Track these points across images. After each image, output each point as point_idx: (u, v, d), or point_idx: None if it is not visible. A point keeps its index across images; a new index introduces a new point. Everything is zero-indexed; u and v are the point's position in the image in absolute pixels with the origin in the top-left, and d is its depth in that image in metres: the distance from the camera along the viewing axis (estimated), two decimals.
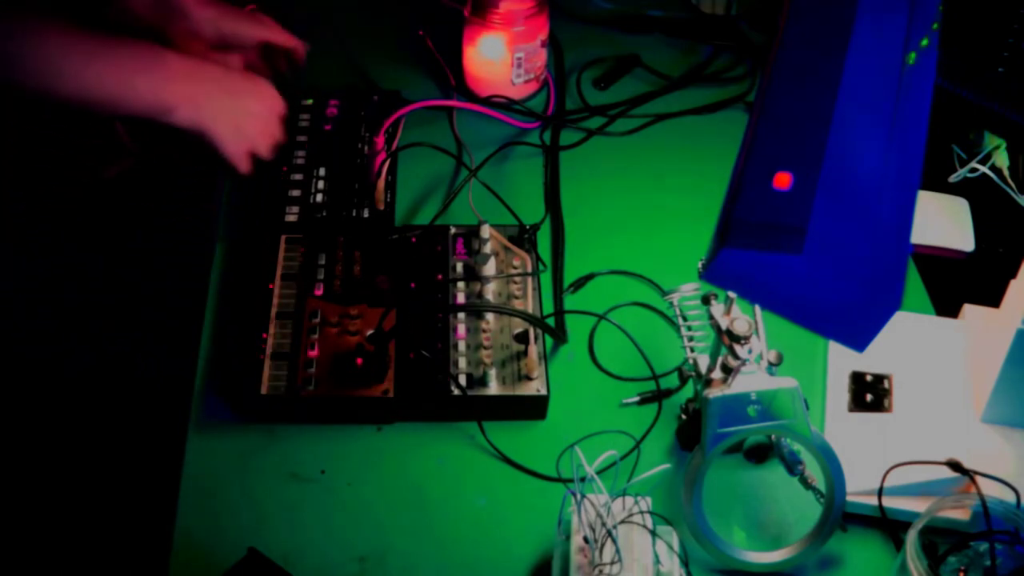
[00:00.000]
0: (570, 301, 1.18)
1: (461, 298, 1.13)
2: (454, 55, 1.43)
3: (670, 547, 0.89)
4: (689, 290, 1.08)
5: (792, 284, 0.70)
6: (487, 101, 1.39)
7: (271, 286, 1.13)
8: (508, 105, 1.38)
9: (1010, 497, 0.91)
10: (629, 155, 1.37)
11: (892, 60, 0.77)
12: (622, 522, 0.89)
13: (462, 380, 1.05)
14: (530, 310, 1.12)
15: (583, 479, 0.89)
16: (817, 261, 0.68)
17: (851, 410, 1.06)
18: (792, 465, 0.95)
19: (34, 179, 1.28)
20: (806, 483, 0.95)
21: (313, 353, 1.07)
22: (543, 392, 1.05)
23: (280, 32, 1.30)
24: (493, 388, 1.05)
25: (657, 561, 0.89)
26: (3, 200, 1.19)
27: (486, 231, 1.17)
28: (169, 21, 1.24)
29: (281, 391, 1.04)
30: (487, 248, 1.16)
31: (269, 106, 1.16)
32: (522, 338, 1.09)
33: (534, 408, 1.07)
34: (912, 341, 1.10)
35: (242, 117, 1.12)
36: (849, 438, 1.02)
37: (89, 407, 1.28)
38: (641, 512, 0.89)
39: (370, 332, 1.08)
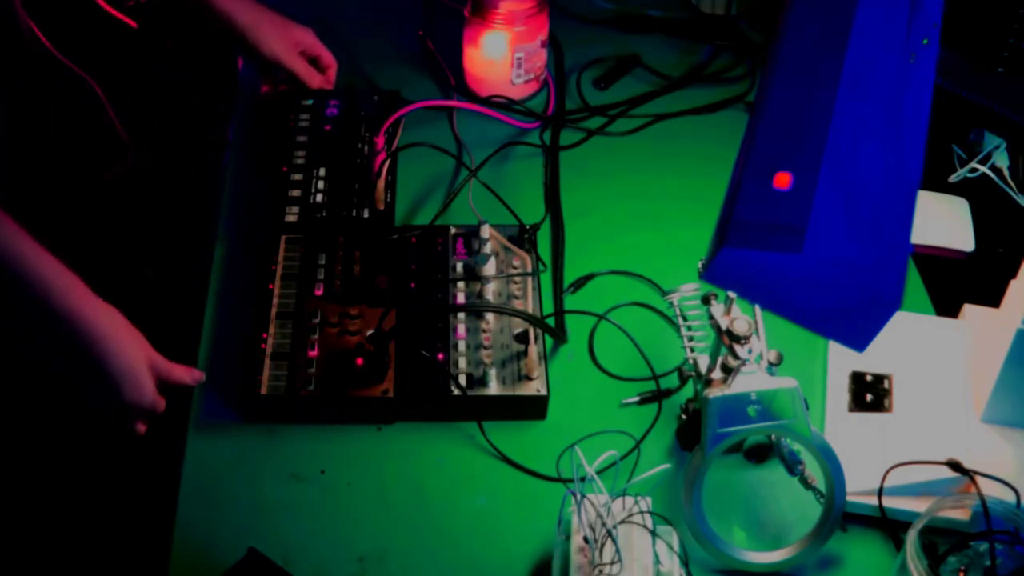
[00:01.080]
0: (570, 301, 1.18)
1: (461, 298, 1.13)
2: (454, 55, 1.43)
3: (670, 547, 0.89)
4: (689, 290, 1.08)
5: (792, 284, 0.70)
6: (487, 101, 1.39)
7: (271, 286, 1.13)
8: (508, 105, 1.38)
9: (1010, 497, 0.91)
10: (629, 155, 1.37)
11: (892, 60, 0.77)
12: (622, 522, 0.89)
13: (462, 380, 1.05)
14: (530, 310, 1.11)
15: (583, 479, 0.89)
16: (817, 261, 0.68)
17: (851, 410, 1.06)
18: (792, 465, 0.95)
19: (34, 179, 1.28)
20: (806, 483, 0.95)
21: (313, 353, 1.07)
22: (543, 392, 1.05)
23: (305, 68, 1.35)
24: (493, 388, 1.05)
25: (657, 561, 0.89)
26: (3, 200, 1.19)
27: (486, 231, 1.17)
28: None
29: (281, 391, 1.04)
30: (487, 248, 1.16)
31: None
32: (522, 338, 1.09)
33: (534, 408, 1.07)
34: (912, 341, 1.10)
35: None
36: (849, 438, 1.02)
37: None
38: (641, 512, 0.89)
39: (370, 332, 1.08)
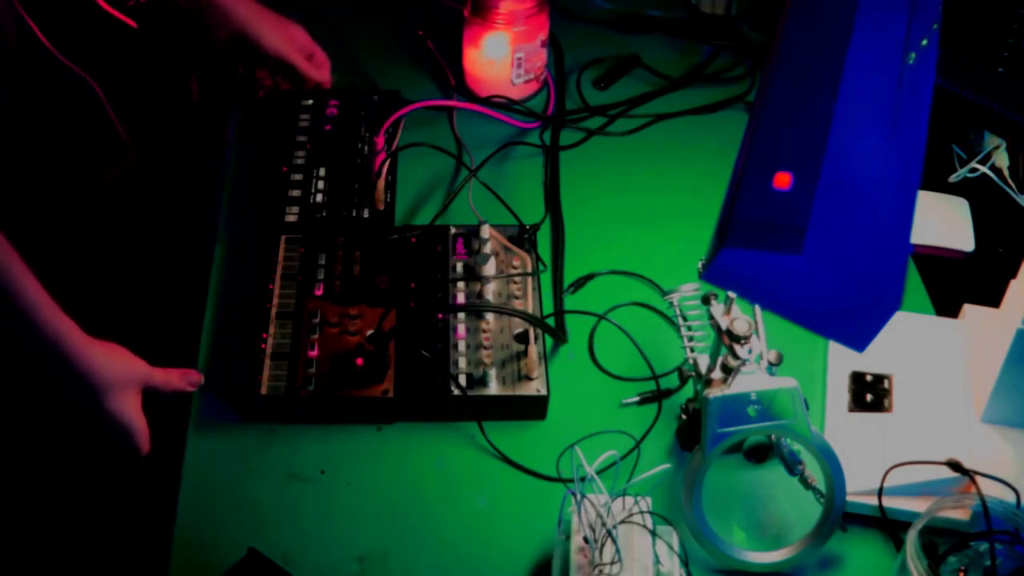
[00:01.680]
0: (570, 301, 1.18)
1: (461, 298, 1.13)
2: (454, 55, 1.43)
3: (670, 547, 0.89)
4: (689, 290, 1.08)
5: (792, 284, 0.70)
6: (487, 101, 1.39)
7: (271, 286, 1.13)
8: (508, 105, 1.38)
9: (1010, 497, 0.91)
10: (629, 155, 1.37)
11: (892, 60, 0.77)
12: (622, 522, 0.89)
13: (462, 380, 1.05)
14: (530, 310, 1.11)
15: (583, 479, 0.89)
16: (817, 261, 0.68)
17: (851, 410, 1.06)
18: (792, 465, 0.95)
19: (34, 179, 1.28)
20: (806, 483, 0.95)
21: (313, 353, 1.07)
22: (543, 392, 1.05)
23: (305, 63, 1.35)
24: (493, 388, 1.05)
25: (657, 561, 0.89)
26: (3, 200, 1.19)
27: (486, 231, 1.17)
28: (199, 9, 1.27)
29: (281, 391, 1.04)
30: (487, 248, 1.16)
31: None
32: (522, 338, 1.09)
33: (534, 408, 1.07)
34: (912, 341, 1.10)
35: None
36: (849, 438, 1.02)
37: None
38: (641, 512, 0.89)
39: (370, 332, 1.08)
